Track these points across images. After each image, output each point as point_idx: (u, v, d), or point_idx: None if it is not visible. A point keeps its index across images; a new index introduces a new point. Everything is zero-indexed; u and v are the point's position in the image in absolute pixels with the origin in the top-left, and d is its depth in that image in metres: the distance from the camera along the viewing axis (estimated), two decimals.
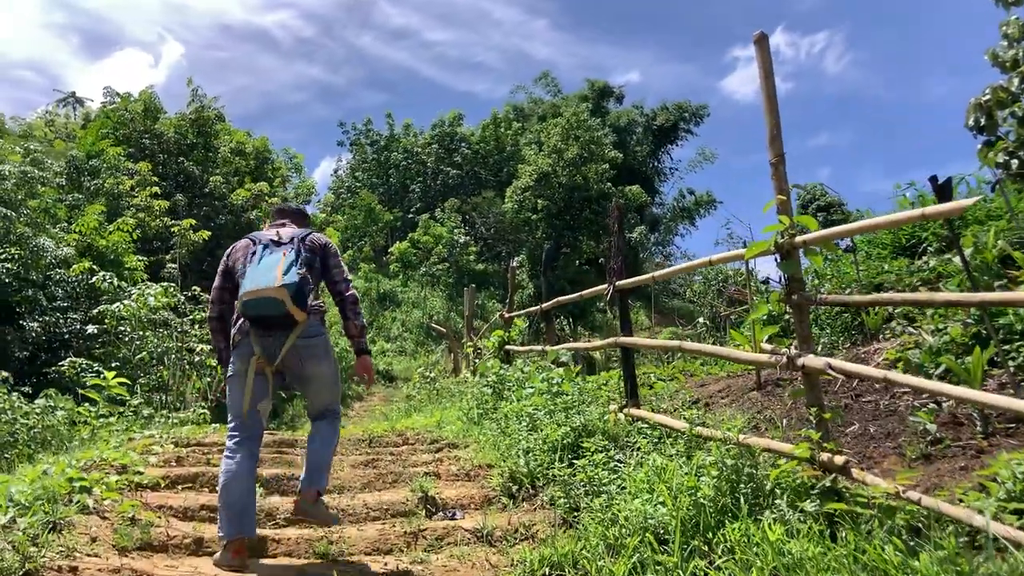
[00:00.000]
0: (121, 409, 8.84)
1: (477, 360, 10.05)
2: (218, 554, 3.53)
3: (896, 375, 3.36)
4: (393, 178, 58.87)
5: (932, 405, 4.64)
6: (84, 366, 14.20)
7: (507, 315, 8.77)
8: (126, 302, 14.25)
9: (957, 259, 6.72)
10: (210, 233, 28.73)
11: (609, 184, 45.31)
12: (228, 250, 3.93)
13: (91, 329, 14.62)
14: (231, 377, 3.79)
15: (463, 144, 59.21)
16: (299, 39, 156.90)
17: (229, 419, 3.76)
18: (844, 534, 3.02)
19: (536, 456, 4.77)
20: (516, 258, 52.22)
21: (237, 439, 3.64)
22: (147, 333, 14.59)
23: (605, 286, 5.29)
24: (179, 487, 4.61)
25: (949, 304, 3.12)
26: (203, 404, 14.34)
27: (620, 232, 4.98)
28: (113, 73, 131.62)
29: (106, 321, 14.90)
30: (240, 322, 3.75)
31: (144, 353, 13.97)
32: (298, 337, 3.65)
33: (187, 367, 14.37)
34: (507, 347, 8.37)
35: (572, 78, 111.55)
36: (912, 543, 2.89)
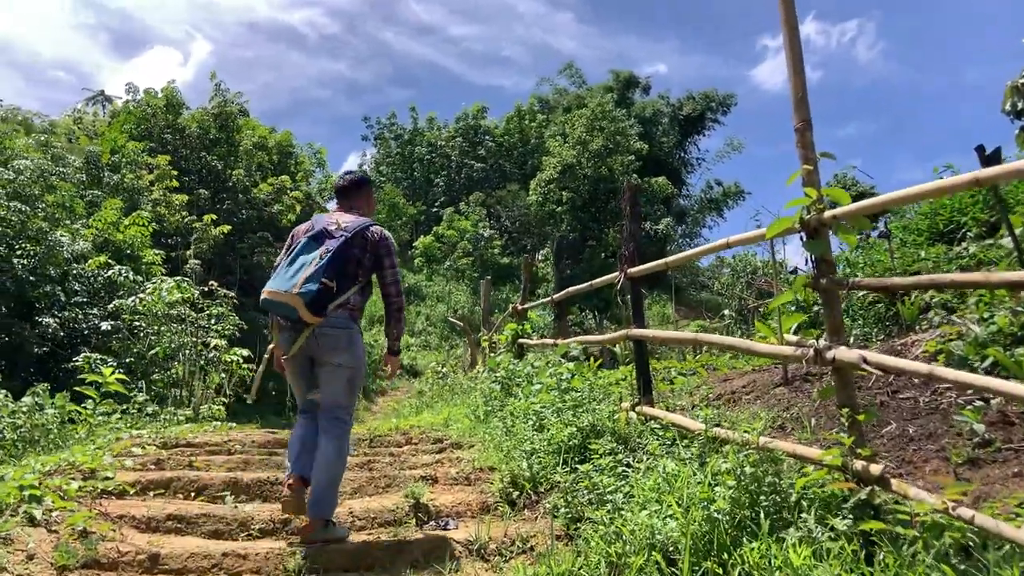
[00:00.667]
0: (125, 406, 8.59)
1: (492, 354, 9.68)
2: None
3: (942, 370, 2.90)
4: (417, 172, 58.68)
5: (979, 403, 4.17)
6: (98, 362, 14.04)
7: (520, 307, 8.52)
8: (141, 296, 14.07)
9: (1004, 241, 6.19)
10: (231, 227, 28.73)
11: (635, 175, 44.71)
12: (294, 229, 4.06)
13: (105, 325, 14.45)
14: (285, 363, 4.02)
15: (487, 137, 58.83)
16: (324, 36, 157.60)
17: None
18: (882, 557, 2.58)
19: (540, 458, 4.37)
20: (541, 251, 51.84)
21: (301, 413, 4.04)
22: (162, 328, 14.40)
23: (617, 274, 4.83)
24: (150, 493, 4.23)
25: (1007, 285, 2.66)
26: (221, 400, 14.14)
27: (634, 216, 4.50)
28: (143, 72, 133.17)
29: (122, 316, 14.75)
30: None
31: (158, 349, 13.76)
32: (320, 326, 3.73)
33: (202, 363, 14.15)
34: (520, 341, 8.15)
35: (597, 71, 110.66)
36: (963, 567, 2.46)
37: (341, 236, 3.81)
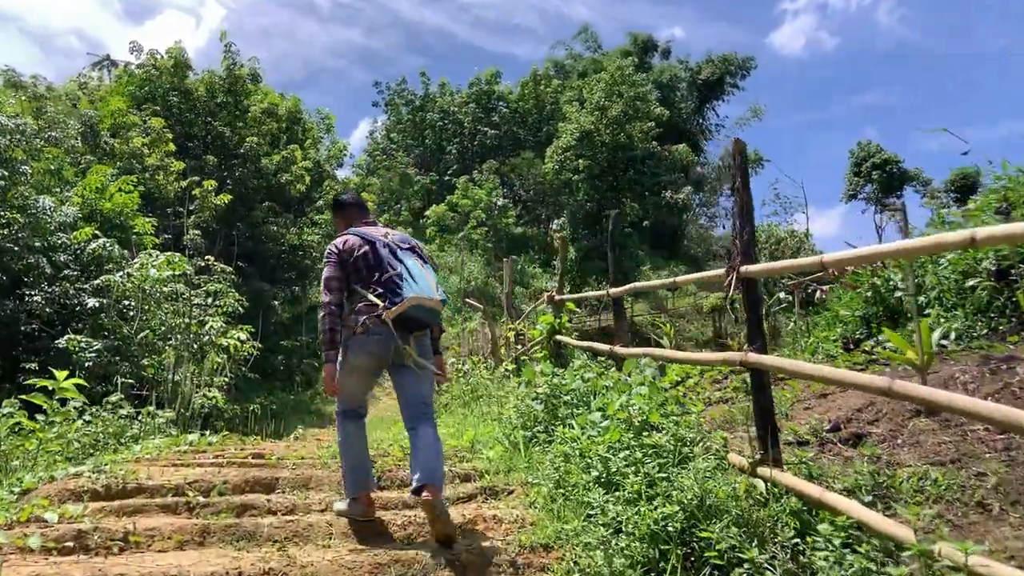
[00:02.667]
0: (94, 409, 7.35)
1: (519, 346, 8.39)
2: (346, 506, 3.90)
3: None
4: (429, 139, 57.03)
5: None
6: (83, 344, 12.87)
7: (557, 296, 6.84)
8: (130, 271, 12.82)
9: None
10: (239, 197, 27.44)
11: (655, 143, 43.10)
12: (338, 244, 4.00)
13: (92, 302, 13.17)
14: (351, 369, 3.91)
15: (501, 103, 57.05)
16: (338, 3, 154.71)
17: (343, 401, 4.05)
18: None
19: (625, 550, 2.98)
20: (556, 221, 50.38)
21: (356, 422, 4.04)
22: (152, 307, 13.15)
23: (723, 271, 3.33)
24: None
25: None
26: (217, 386, 12.96)
27: (744, 186, 3.09)
28: (154, 37, 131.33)
29: (110, 293, 13.52)
30: (365, 318, 3.83)
31: (148, 331, 12.49)
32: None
33: (197, 346, 12.91)
34: (558, 338, 6.57)
35: (611, 38, 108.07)
36: None
37: (409, 247, 4.06)
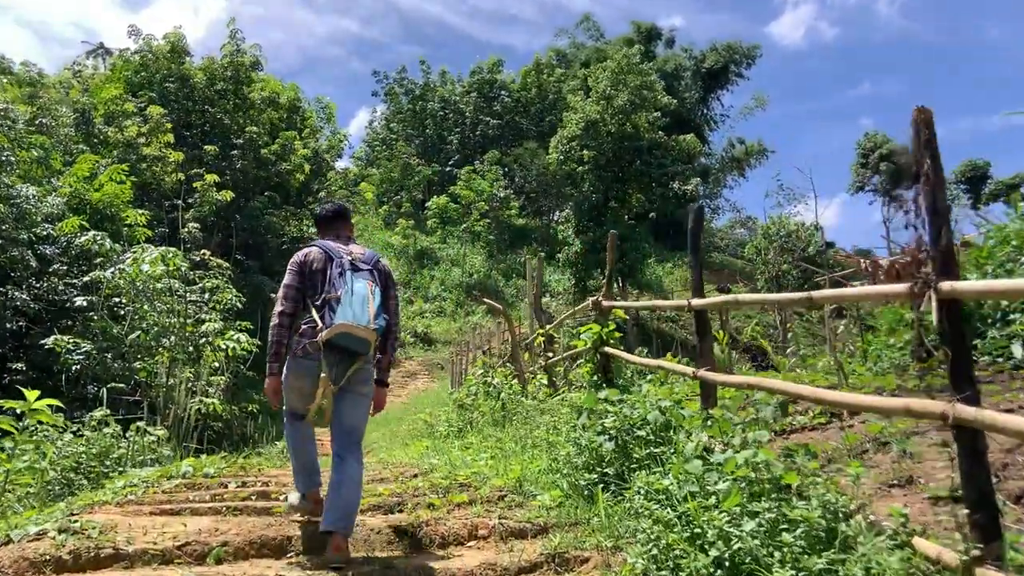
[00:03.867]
0: (76, 428, 6.51)
1: (551, 355, 7.54)
2: (297, 501, 4.04)
3: None
4: (430, 129, 56.03)
5: None
6: (70, 345, 12.01)
7: (605, 302, 5.70)
8: (121, 266, 11.93)
9: None
10: (237, 188, 26.49)
11: (661, 133, 42.15)
12: (301, 255, 3.96)
13: (80, 301, 12.28)
14: (290, 388, 3.89)
15: (503, 92, 56.06)
16: None
17: (289, 408, 3.98)
18: None
19: None
20: (560, 213, 49.47)
21: (307, 430, 4.01)
22: (145, 306, 12.27)
23: (903, 287, 2.29)
24: None
25: None
26: (217, 386, 12.15)
27: (937, 171, 2.25)
28: (151, 24, 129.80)
29: (100, 290, 12.65)
30: (307, 341, 3.79)
31: (140, 332, 11.62)
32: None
33: (192, 348, 12.06)
34: (607, 350, 5.53)
35: (614, 29, 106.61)
36: None
37: (369, 270, 3.89)
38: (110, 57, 50.70)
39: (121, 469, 6.19)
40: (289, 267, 3.91)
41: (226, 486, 4.75)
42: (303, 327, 3.79)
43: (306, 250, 3.95)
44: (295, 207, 31.30)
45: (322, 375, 3.62)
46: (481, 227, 46.43)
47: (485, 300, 10.09)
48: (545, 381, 7.20)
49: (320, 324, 3.66)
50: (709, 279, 54.60)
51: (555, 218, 52.70)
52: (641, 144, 40.85)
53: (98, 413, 6.78)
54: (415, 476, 5.06)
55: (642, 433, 3.70)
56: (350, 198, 35.68)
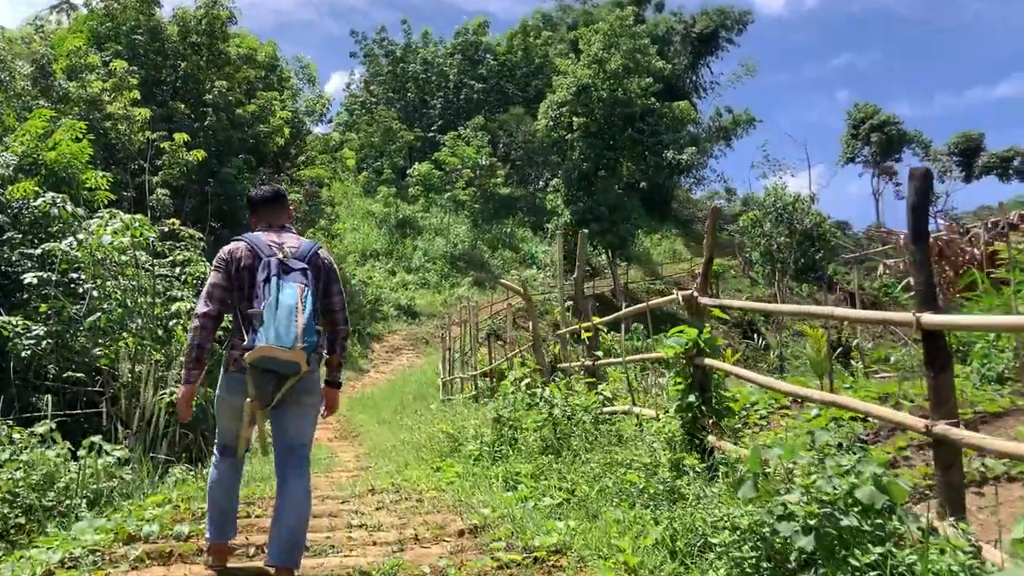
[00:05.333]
0: (10, 440, 5.14)
1: (599, 354, 6.19)
2: (205, 556, 3.53)
3: None
4: (411, 92, 54.02)
5: None
6: (19, 329, 10.48)
7: (702, 298, 4.31)
8: (81, 235, 10.38)
9: None
10: (210, 148, 24.72)
11: (653, 99, 40.72)
12: (227, 251, 3.54)
13: (30, 277, 10.70)
14: (223, 402, 3.54)
15: (488, 55, 54.08)
16: None
17: (217, 440, 3.62)
18: None
19: None
20: (548, 181, 47.97)
21: (227, 463, 3.54)
22: (107, 283, 10.74)
23: None
24: None
25: None
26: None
27: None
28: None
29: (55, 264, 11.10)
30: (237, 354, 3.38)
31: (100, 315, 10.12)
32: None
33: (162, 332, 10.64)
34: (708, 363, 4.10)
35: None
36: None
37: (303, 269, 3.43)
38: (73, 12, 48.07)
39: (67, 504, 4.82)
40: (214, 264, 3.53)
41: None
42: (235, 339, 3.44)
43: (232, 245, 3.57)
44: (272, 172, 29.58)
45: (247, 401, 3.29)
46: (466, 196, 44.86)
47: (502, 283, 8.75)
48: (587, 383, 5.89)
49: (245, 341, 3.29)
50: (697, 251, 53.64)
51: (542, 187, 51.18)
52: (634, 111, 39.41)
53: (41, 428, 5.38)
54: (461, 534, 3.75)
55: (850, 521, 2.42)
56: (331, 163, 33.93)
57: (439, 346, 31.41)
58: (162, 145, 21.69)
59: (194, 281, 11.83)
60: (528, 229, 46.99)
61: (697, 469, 3.73)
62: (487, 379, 14.34)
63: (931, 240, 12.60)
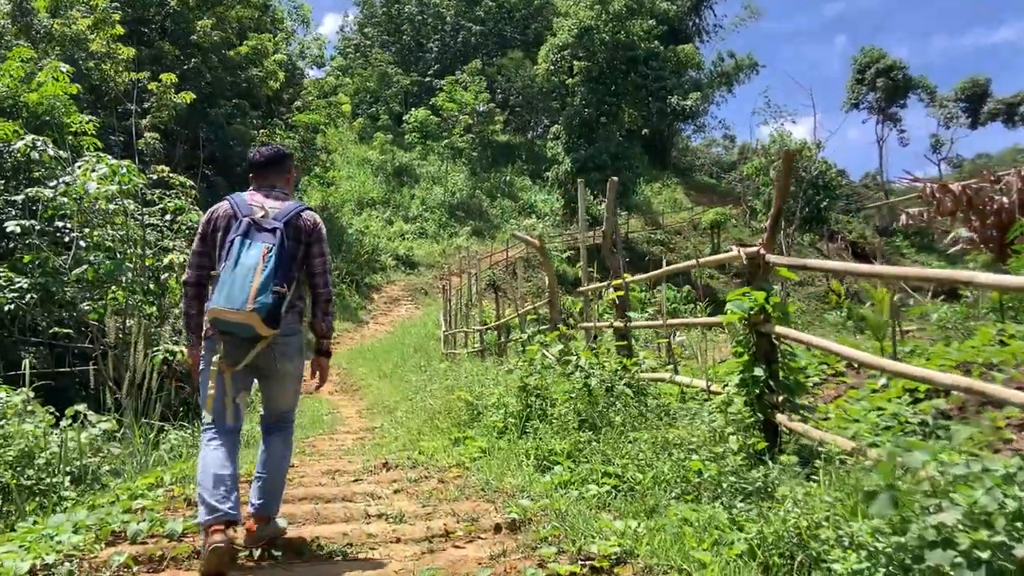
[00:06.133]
0: None
1: (622, 320, 5.56)
2: (200, 541, 3.14)
3: None
4: (407, 35, 52.47)
5: None
6: (3, 281, 9.93)
7: (770, 256, 3.69)
8: (66, 181, 9.73)
9: None
10: (201, 92, 23.78)
11: (656, 43, 39.53)
12: (209, 212, 3.50)
13: (11, 226, 10.06)
14: (202, 370, 3.40)
15: None
16: None
17: (203, 412, 3.38)
18: None
19: None
20: (550, 128, 46.89)
21: (213, 433, 3.26)
22: (94, 232, 10.14)
23: None
24: None
25: None
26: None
27: None
28: None
29: (38, 212, 10.47)
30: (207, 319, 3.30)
31: (88, 267, 9.54)
32: (275, 336, 3.28)
33: (154, 285, 10.10)
34: (779, 330, 3.57)
35: None
36: None
37: (274, 228, 3.30)
38: None
39: (48, 483, 4.30)
40: (198, 228, 3.50)
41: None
42: (208, 304, 3.30)
43: (214, 208, 3.52)
44: (265, 117, 28.65)
45: (214, 358, 3.25)
46: (464, 143, 43.84)
47: (517, 235, 8.17)
48: (602, 346, 5.36)
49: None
50: (697, 199, 52.89)
51: (541, 134, 50.09)
52: (637, 54, 38.29)
53: (17, 397, 4.83)
54: (498, 530, 3.24)
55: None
56: (327, 108, 32.91)
57: (439, 297, 30.91)
58: (149, 86, 20.78)
59: (187, 231, 11.25)
60: (527, 177, 46.11)
61: (780, 460, 3.20)
62: (496, 334, 13.84)
63: (959, 188, 11.87)
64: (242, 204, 3.37)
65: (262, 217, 3.31)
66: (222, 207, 3.42)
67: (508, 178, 44.81)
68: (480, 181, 43.81)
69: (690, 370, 5.60)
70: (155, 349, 8.71)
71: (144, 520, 3.27)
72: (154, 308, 10.03)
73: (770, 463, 3.22)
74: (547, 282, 8.08)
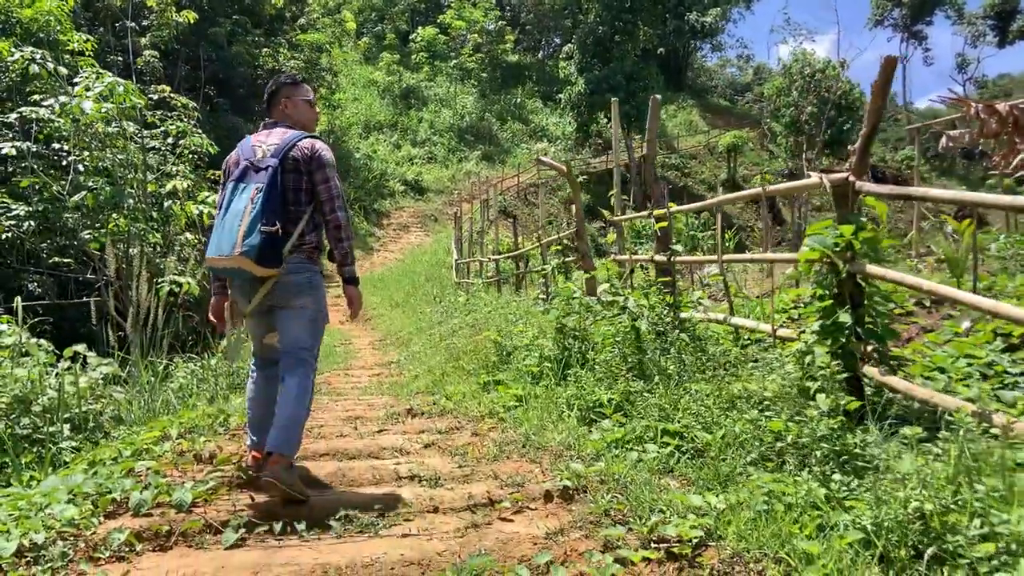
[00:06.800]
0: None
1: (678, 247, 5.04)
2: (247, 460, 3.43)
3: None
4: None
5: None
6: (0, 208, 9.55)
7: (858, 181, 3.15)
8: (63, 99, 9.14)
9: None
10: (195, 15, 22.73)
11: None
12: (225, 161, 3.48)
13: (7, 148, 9.54)
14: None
15: None
16: None
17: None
18: None
19: None
20: (561, 47, 45.33)
21: (252, 369, 3.55)
22: (93, 155, 9.63)
23: None
24: None
25: None
26: (194, 243, 9.94)
27: None
28: None
29: (36, 132, 9.96)
30: None
31: (87, 193, 9.07)
32: (280, 276, 3.25)
33: (157, 214, 9.69)
34: (871, 269, 3.07)
35: None
36: None
37: (268, 167, 3.23)
38: None
39: (45, 432, 3.93)
40: None
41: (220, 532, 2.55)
42: None
43: (229, 155, 3.51)
44: (267, 35, 27.54)
45: (227, 302, 3.42)
46: (473, 63, 42.48)
47: (542, 160, 7.59)
48: (640, 283, 4.87)
49: None
50: (713, 123, 51.53)
51: (553, 54, 48.47)
52: None
53: (9, 339, 4.42)
54: (548, 498, 2.84)
55: None
56: (331, 27, 31.69)
57: (448, 224, 30.34)
58: (148, 2, 19.86)
59: (190, 155, 10.74)
60: (539, 100, 44.87)
61: (872, 423, 2.77)
62: (513, 263, 13.38)
63: (1007, 108, 11.11)
64: (245, 148, 3.35)
65: (260, 158, 3.25)
66: (233, 155, 3.41)
67: (519, 100, 43.64)
68: (490, 104, 42.66)
69: (723, 310, 5.11)
70: (160, 280, 8.31)
71: (148, 486, 2.88)
72: (158, 237, 9.59)
73: (870, 426, 2.79)
74: (574, 211, 7.56)
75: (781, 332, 3.94)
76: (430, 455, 3.60)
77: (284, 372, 3.30)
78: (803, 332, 3.41)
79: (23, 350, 4.49)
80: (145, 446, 3.56)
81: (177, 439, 3.67)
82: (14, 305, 5.37)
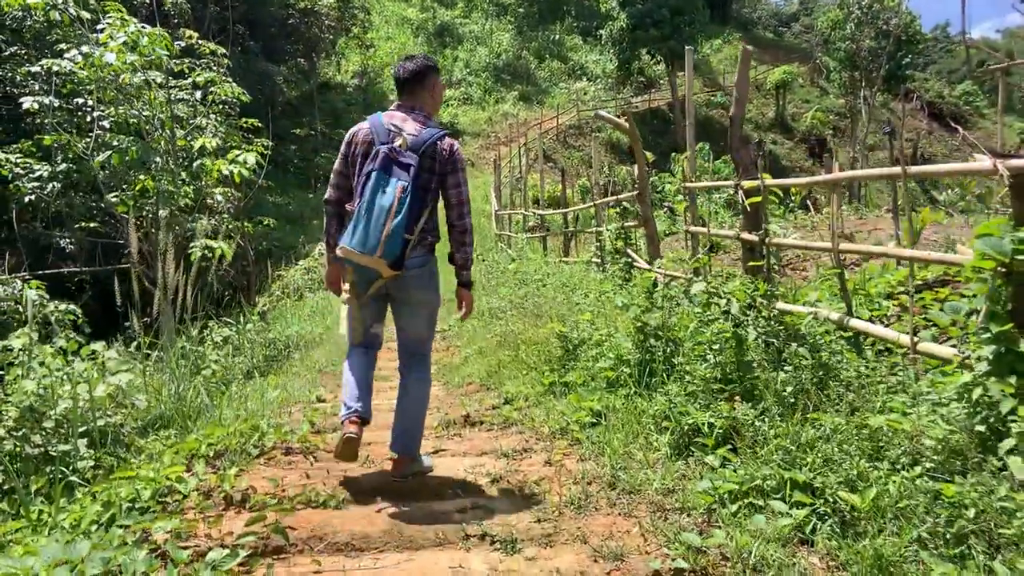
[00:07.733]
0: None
1: (756, 233, 4.23)
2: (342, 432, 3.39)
3: None
4: None
5: None
6: (20, 168, 9.15)
7: None
8: (85, 49, 8.53)
9: None
10: None
11: None
12: (350, 133, 3.44)
13: (27, 102, 8.99)
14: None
15: None
16: None
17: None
18: None
19: None
20: None
21: (351, 351, 3.52)
22: (119, 110, 9.08)
23: None
24: None
25: None
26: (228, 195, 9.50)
27: None
28: None
29: (56, 85, 9.43)
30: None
31: (113, 152, 8.55)
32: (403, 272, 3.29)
33: (187, 175, 9.23)
34: None
35: None
36: None
37: (409, 165, 3.19)
38: None
39: (57, 450, 3.45)
40: (342, 147, 3.42)
41: None
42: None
43: (357, 126, 3.44)
44: None
45: (344, 286, 3.40)
46: None
47: (601, 116, 6.83)
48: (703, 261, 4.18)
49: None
50: (760, 58, 49.41)
51: None
52: None
53: (18, 341, 3.92)
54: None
55: None
56: None
57: (485, 169, 29.50)
58: None
59: (220, 106, 10.16)
60: (578, 36, 43.27)
61: None
62: (561, 219, 12.68)
63: None
64: (380, 128, 3.29)
65: (400, 147, 3.20)
66: (363, 129, 3.36)
67: (557, 37, 42.14)
68: (527, 41, 41.24)
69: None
70: (192, 245, 7.81)
71: (163, 528, 2.36)
72: (189, 192, 9.07)
73: None
74: (636, 172, 6.83)
75: (925, 347, 3.25)
76: (500, 498, 3.04)
77: (404, 370, 3.46)
78: (967, 358, 2.75)
79: (35, 354, 3.98)
80: (168, 483, 3.04)
81: (203, 473, 3.14)
82: (48, 265, 4.88)
